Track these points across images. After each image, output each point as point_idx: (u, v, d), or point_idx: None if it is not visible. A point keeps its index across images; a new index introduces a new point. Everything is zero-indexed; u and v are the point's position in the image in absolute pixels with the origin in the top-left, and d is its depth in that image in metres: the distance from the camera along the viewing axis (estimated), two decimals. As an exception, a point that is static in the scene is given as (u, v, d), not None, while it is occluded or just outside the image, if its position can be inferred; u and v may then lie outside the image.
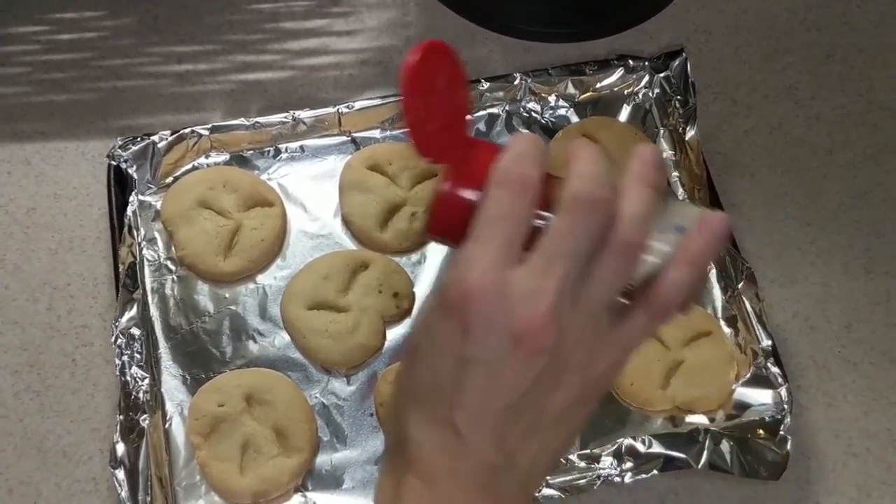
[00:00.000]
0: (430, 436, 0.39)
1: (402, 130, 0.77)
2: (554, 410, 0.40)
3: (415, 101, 0.39)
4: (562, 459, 0.64)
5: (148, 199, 0.73)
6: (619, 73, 0.78)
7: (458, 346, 0.38)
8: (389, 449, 0.43)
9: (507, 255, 0.38)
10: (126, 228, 0.71)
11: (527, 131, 0.43)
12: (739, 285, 0.70)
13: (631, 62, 0.78)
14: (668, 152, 0.77)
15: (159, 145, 0.74)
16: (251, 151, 0.76)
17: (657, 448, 0.64)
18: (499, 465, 0.39)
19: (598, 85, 0.79)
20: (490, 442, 0.39)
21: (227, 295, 0.71)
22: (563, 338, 0.38)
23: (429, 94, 0.39)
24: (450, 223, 0.41)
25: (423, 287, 0.71)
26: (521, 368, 0.38)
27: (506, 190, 0.39)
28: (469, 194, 0.41)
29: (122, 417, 0.64)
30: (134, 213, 0.72)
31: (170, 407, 0.66)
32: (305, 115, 0.75)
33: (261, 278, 0.71)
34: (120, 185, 0.73)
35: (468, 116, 0.42)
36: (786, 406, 0.65)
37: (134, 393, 0.65)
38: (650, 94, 0.79)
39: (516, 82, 0.78)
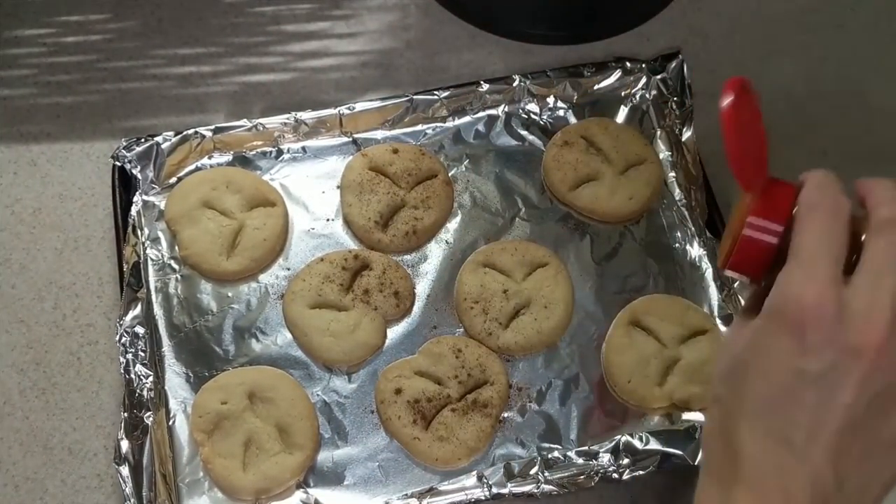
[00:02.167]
0: (764, 451, 0.40)
1: (402, 132, 0.78)
2: (889, 434, 0.40)
3: (734, 135, 0.42)
4: (560, 456, 0.65)
5: (152, 199, 0.74)
6: (616, 75, 0.79)
7: (794, 360, 0.39)
8: (713, 460, 0.43)
9: (836, 275, 0.40)
10: (130, 228, 0.72)
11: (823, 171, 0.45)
12: (735, 284, 0.70)
13: (628, 64, 0.79)
14: (664, 153, 0.78)
15: (163, 146, 0.74)
16: (254, 152, 0.76)
17: (654, 445, 0.65)
18: (830, 486, 0.39)
19: (596, 87, 0.80)
20: (824, 460, 0.39)
21: (229, 294, 0.71)
22: None
23: (741, 127, 0.43)
24: (753, 258, 0.44)
25: (423, 286, 0.72)
26: (859, 384, 0.39)
27: (822, 214, 0.41)
28: (774, 229, 0.43)
29: (126, 415, 0.65)
30: (138, 213, 0.73)
31: (173, 404, 0.67)
32: (307, 116, 0.76)
33: (263, 277, 0.72)
34: (124, 185, 0.73)
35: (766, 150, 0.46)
36: (781, 403, 0.66)
37: (138, 391, 0.66)
38: (647, 95, 0.80)
39: (515, 84, 0.78)
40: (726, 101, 0.42)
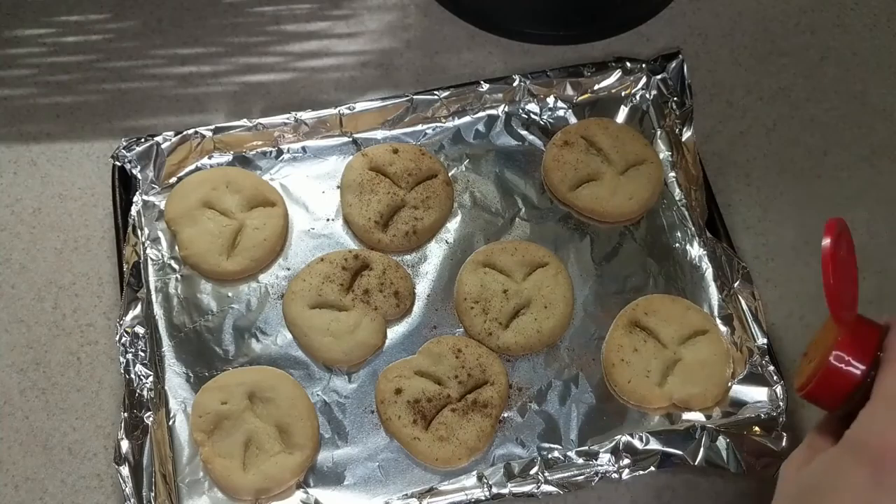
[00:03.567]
0: None
1: (402, 132, 0.78)
2: None
3: (833, 274, 0.46)
4: (560, 456, 0.65)
5: (152, 199, 0.74)
6: (616, 75, 0.79)
7: (870, 494, 0.42)
8: None
9: None
10: (130, 228, 0.72)
11: None
12: (735, 284, 0.70)
13: (628, 64, 0.79)
14: (665, 153, 0.78)
15: (163, 146, 0.74)
16: (253, 152, 0.76)
17: (654, 445, 0.65)
18: None
19: (596, 87, 0.80)
20: None
21: (229, 294, 0.71)
22: None
23: (839, 266, 0.46)
24: (833, 390, 0.47)
25: (423, 286, 0.72)
26: None
27: None
28: (858, 366, 0.46)
29: (126, 415, 0.65)
30: (138, 213, 0.73)
31: (173, 404, 0.67)
32: (307, 116, 0.76)
33: (263, 277, 0.72)
34: (124, 185, 0.74)
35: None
36: (781, 403, 0.66)
37: (138, 390, 0.66)
38: (647, 95, 0.80)
39: (515, 84, 0.78)
40: (827, 241, 0.46)
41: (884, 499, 0.42)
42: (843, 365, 0.46)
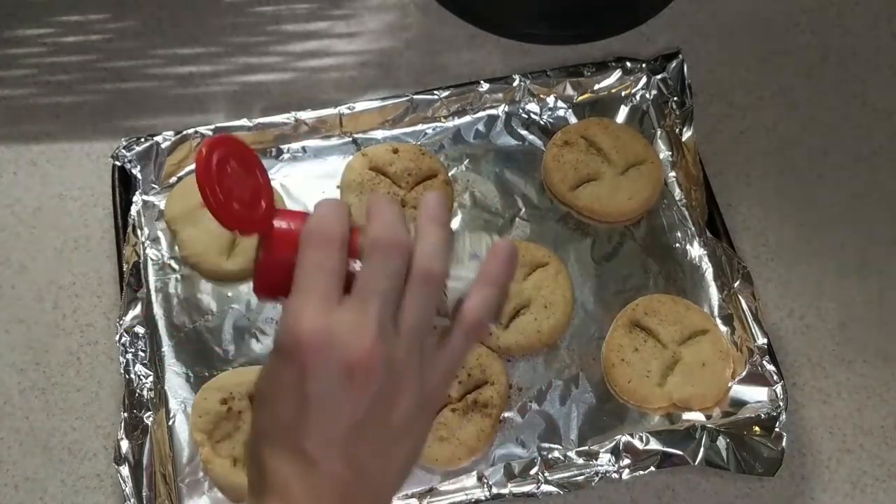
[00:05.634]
0: (285, 465, 0.43)
1: (402, 131, 0.78)
2: (397, 424, 0.44)
3: (212, 189, 0.44)
4: (560, 456, 0.65)
5: (152, 199, 0.74)
6: (616, 74, 0.79)
7: (299, 386, 0.42)
8: (250, 477, 0.46)
9: (328, 301, 0.43)
10: (130, 228, 0.72)
11: (331, 198, 0.49)
12: (735, 284, 0.70)
13: (628, 64, 0.79)
14: (665, 153, 0.78)
15: (163, 146, 0.74)
16: (253, 152, 0.77)
17: (654, 445, 0.65)
18: (351, 480, 0.43)
19: (597, 86, 0.80)
20: (340, 462, 0.43)
21: (229, 294, 0.71)
22: (392, 360, 0.43)
23: (224, 179, 0.44)
24: (273, 284, 0.45)
25: (423, 286, 0.72)
26: (357, 394, 0.42)
27: (315, 246, 0.44)
28: (285, 257, 0.44)
29: (126, 415, 0.65)
30: (138, 212, 0.73)
31: (173, 404, 0.67)
32: (307, 116, 0.76)
33: (263, 277, 0.72)
34: (124, 185, 0.74)
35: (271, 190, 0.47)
36: (781, 403, 0.66)
37: (138, 390, 0.66)
38: (647, 95, 0.80)
39: (515, 84, 0.78)
40: (197, 158, 0.44)
41: (311, 385, 0.42)
42: (270, 259, 0.45)
